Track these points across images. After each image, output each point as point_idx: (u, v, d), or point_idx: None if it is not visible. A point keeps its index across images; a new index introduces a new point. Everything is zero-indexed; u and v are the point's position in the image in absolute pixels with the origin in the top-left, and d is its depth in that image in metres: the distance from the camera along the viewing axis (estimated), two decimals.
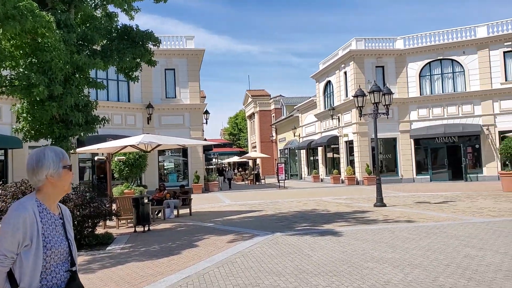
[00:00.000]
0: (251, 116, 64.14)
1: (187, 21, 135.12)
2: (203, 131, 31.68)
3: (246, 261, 7.64)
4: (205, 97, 49.38)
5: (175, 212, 15.93)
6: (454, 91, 31.05)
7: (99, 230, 11.50)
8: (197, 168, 29.79)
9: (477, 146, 30.31)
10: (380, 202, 16.07)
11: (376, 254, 7.67)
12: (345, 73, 33.84)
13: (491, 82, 29.81)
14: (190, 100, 30.27)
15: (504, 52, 29.51)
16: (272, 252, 8.26)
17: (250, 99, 63.28)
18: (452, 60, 31.25)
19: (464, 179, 30.02)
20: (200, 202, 20.88)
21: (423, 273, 6.17)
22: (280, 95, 59.56)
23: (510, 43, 29.21)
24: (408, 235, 9.53)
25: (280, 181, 32.33)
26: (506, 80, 29.46)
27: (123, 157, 20.27)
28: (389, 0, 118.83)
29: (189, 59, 30.58)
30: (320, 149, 39.17)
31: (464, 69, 30.77)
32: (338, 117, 34.88)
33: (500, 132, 28.63)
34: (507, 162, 21.80)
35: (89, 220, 10.32)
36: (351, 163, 33.14)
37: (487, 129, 29.63)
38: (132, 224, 13.03)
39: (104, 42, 12.76)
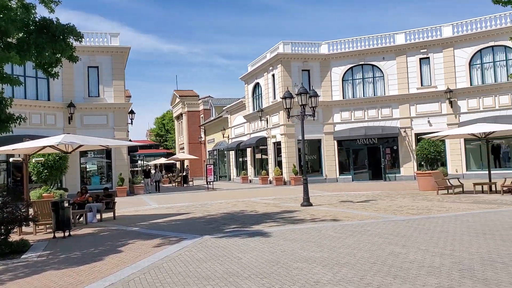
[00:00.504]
0: (179, 116, 63.20)
1: (112, 18, 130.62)
2: (128, 131, 30.62)
3: (174, 266, 7.40)
4: (130, 96, 47.88)
5: (98, 216, 15.22)
6: (374, 95, 32.53)
7: (14, 237, 10.66)
8: (122, 170, 28.75)
9: (395, 147, 31.94)
10: (307, 201, 16.38)
11: (305, 253, 7.74)
12: (273, 75, 34.31)
13: (408, 87, 31.58)
14: (114, 100, 29.16)
15: (420, 59, 31.38)
16: (201, 256, 8.08)
17: (178, 100, 62.32)
18: (373, 65, 32.73)
19: (383, 178, 31.52)
20: (125, 206, 20.15)
21: (351, 272, 6.29)
22: (209, 96, 59.22)
23: (425, 50, 31.10)
24: (335, 233, 9.74)
25: (208, 183, 32.06)
26: (421, 85, 31.33)
27: (42, 158, 19.04)
28: (314, 6, 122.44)
29: (113, 57, 29.46)
30: (249, 150, 39.39)
31: (383, 74, 32.34)
32: (267, 118, 35.28)
33: (416, 134, 30.42)
34: (422, 163, 23.11)
35: (1, 227, 9.52)
36: (279, 164, 33.63)
37: (404, 131, 31.34)
38: (51, 230, 12.24)
39: (21, 35, 11.87)
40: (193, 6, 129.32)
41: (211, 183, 32.11)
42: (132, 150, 35.03)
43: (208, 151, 52.98)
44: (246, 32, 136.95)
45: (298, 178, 30.24)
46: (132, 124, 31.22)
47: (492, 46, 29.17)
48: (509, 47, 28.23)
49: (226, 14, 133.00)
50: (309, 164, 32.72)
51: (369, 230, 10.05)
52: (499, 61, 29.18)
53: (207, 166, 33.62)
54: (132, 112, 31.17)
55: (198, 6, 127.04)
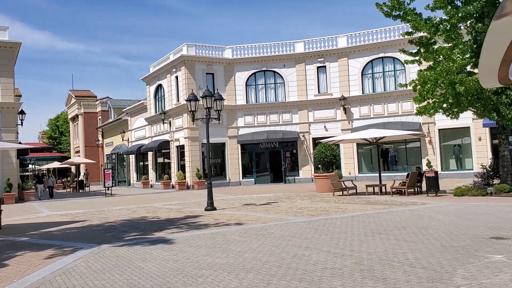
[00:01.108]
0: (75, 118, 59.71)
1: (1, 11, 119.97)
2: (18, 133, 28.21)
3: (68, 279, 6.84)
4: (20, 95, 44.26)
5: None
6: (276, 101, 33.43)
7: None
8: (10, 175, 26.38)
9: (294, 151, 33.08)
10: (210, 206, 16.24)
11: (210, 260, 7.60)
12: (177, 77, 33.77)
13: (307, 94, 32.90)
14: (2, 98, 26.69)
15: (318, 67, 32.87)
16: (98, 267, 7.57)
17: (73, 100, 58.85)
18: (274, 71, 33.61)
19: (284, 181, 32.46)
20: (13, 214, 18.46)
21: (257, 277, 6.27)
22: (108, 96, 56.74)
23: (322, 59, 32.64)
24: (240, 238, 9.72)
25: (107, 188, 30.58)
26: (319, 93, 32.82)
27: None
28: (218, 11, 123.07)
29: (1, 52, 26.97)
30: (150, 154, 38.32)
31: (284, 81, 33.35)
32: (170, 121, 34.58)
33: (314, 139, 31.76)
34: (319, 166, 24.13)
35: None
36: (182, 168, 33.12)
37: (303, 136, 32.59)
38: None
39: None
40: (92, 3, 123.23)
41: (110, 188, 30.68)
42: (22, 153, 32.32)
43: (106, 155, 50.66)
44: (148, 33, 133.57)
45: (201, 182, 30.03)
46: (22, 125, 28.87)
47: (382, 57, 31.42)
48: (397, 59, 30.57)
49: (127, 13, 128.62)
50: (213, 168, 32.66)
51: (273, 232, 10.18)
52: (388, 71, 31.50)
53: (105, 170, 32.11)
54: (22, 112, 28.80)
55: (98, 4, 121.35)
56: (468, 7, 15.87)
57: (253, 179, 33.10)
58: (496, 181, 17.80)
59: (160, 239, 10.29)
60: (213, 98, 16.62)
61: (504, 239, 7.95)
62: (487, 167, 18.69)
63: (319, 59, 32.72)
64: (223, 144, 32.96)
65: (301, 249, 8.02)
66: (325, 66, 32.69)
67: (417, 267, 6.26)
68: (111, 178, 31.36)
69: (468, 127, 28.36)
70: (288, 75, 33.22)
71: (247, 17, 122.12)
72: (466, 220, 10.65)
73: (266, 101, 33.60)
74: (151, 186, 37.63)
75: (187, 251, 8.57)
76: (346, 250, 7.75)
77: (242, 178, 33.16)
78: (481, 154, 27.82)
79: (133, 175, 42.71)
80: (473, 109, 17.42)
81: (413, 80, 18.21)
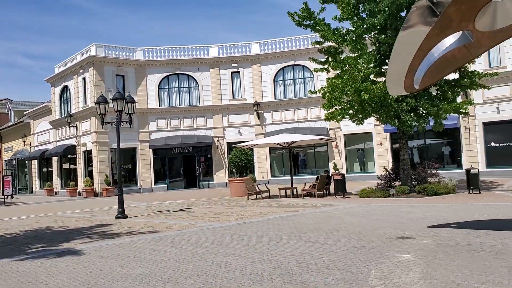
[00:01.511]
0: None
1: None
2: None
3: None
4: None
5: None
6: (190, 105, 33.13)
7: None
8: None
9: (209, 156, 32.99)
10: (121, 213, 15.63)
11: (124, 271, 7.28)
12: (84, 79, 32.18)
13: (221, 98, 33.02)
14: None
15: (232, 72, 33.14)
16: None
17: None
18: (188, 75, 33.30)
19: (198, 186, 32.24)
20: None
21: (175, 287, 6.11)
22: (7, 98, 52.62)
23: (236, 64, 32.95)
24: (155, 246, 9.44)
25: (6, 197, 28.25)
26: (233, 97, 33.09)
27: None
28: (128, 12, 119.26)
29: None
30: (55, 159, 36.08)
31: (198, 85, 33.16)
32: (76, 125, 32.85)
33: (228, 143, 31.94)
34: (233, 170, 24.29)
35: None
36: (89, 174, 31.57)
37: (218, 140, 32.61)
38: None
39: None
40: None
41: (9, 196, 28.38)
42: None
43: (5, 161, 46.90)
44: (53, 33, 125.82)
45: (111, 189, 28.87)
46: None
47: (293, 65, 32.46)
48: (307, 67, 31.72)
49: (30, 11, 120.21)
50: (123, 174, 31.51)
51: (189, 240, 10.01)
52: (298, 78, 32.61)
53: (4, 177, 29.73)
54: None
55: None
56: (373, 19, 16.87)
57: (166, 185, 32.47)
58: (397, 183, 19.07)
59: (68, 250, 9.68)
60: (124, 100, 16.04)
61: (410, 238, 8.51)
62: (389, 170, 19.97)
63: (233, 64, 32.99)
64: (134, 149, 31.96)
65: (219, 256, 7.97)
66: (239, 72, 33.04)
67: (333, 269, 6.49)
68: (11, 186, 29.07)
69: (371, 133, 30.16)
70: (202, 79, 33.08)
71: (160, 19, 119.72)
72: (373, 221, 11.27)
73: (179, 105, 33.17)
74: (56, 194, 35.45)
75: (98, 262, 8.14)
76: (264, 254, 7.83)
77: (154, 184, 32.39)
78: (382, 158, 29.72)
79: (36, 182, 39.97)
80: (376, 116, 18.53)
81: (322, 87, 18.98)
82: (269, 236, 9.83)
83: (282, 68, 32.68)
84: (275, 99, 32.60)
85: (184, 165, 32.99)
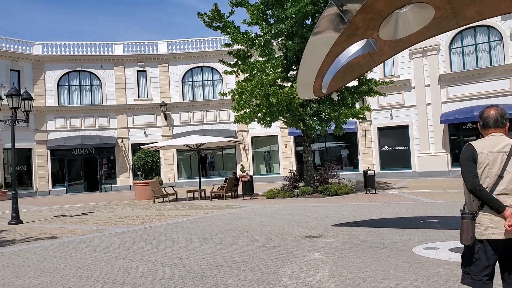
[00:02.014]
0: None
1: None
2: None
3: None
4: None
5: None
6: (92, 104, 31.58)
7: None
8: None
9: (112, 157, 31.67)
10: (16, 219, 14.41)
11: (21, 281, 6.69)
12: None
13: (126, 98, 31.87)
14: None
15: (138, 71, 32.15)
16: None
17: None
18: (91, 72, 31.72)
19: (100, 189, 30.80)
20: None
21: None
22: None
23: (143, 63, 32.03)
24: (55, 253, 8.80)
25: None
26: (138, 97, 32.10)
27: None
28: (26, 4, 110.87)
29: None
30: None
31: (101, 83, 31.72)
32: None
33: (133, 145, 30.90)
34: (138, 172, 23.55)
35: None
36: None
37: (122, 141, 31.42)
38: None
39: None
40: None
41: None
42: None
43: None
44: None
45: (3, 193, 26.56)
46: None
47: (202, 66, 32.30)
48: (216, 69, 31.76)
49: None
50: (17, 176, 29.10)
51: (93, 245, 9.48)
52: (207, 80, 32.52)
53: None
54: None
55: None
56: (280, 25, 17.33)
57: (65, 188, 30.60)
58: (301, 184, 19.76)
59: None
60: (20, 97, 14.82)
61: (317, 237, 8.82)
62: (294, 171, 20.63)
63: (139, 63, 32.01)
64: (30, 150, 29.72)
65: (126, 261, 7.63)
66: (145, 71, 32.14)
67: (245, 270, 6.50)
68: None
69: (276, 135, 31.00)
70: (106, 77, 31.68)
71: (59, 14, 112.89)
72: (281, 220, 11.53)
73: (81, 103, 31.46)
74: None
75: None
76: (175, 258, 7.64)
77: (52, 187, 30.38)
78: (287, 160, 30.67)
79: None
80: (283, 119, 19.06)
81: (232, 90, 19.14)
82: (178, 239, 9.63)
83: (191, 69, 32.38)
84: (183, 100, 32.19)
85: (85, 167, 31.31)
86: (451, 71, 26.34)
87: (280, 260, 6.99)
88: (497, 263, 3.49)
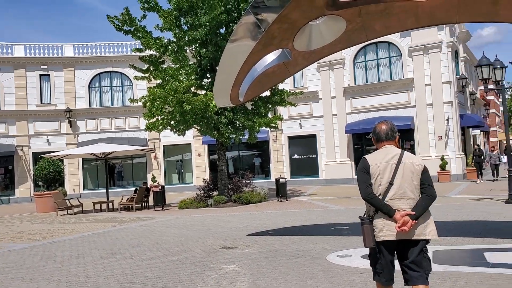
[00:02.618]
0: None
1: None
2: None
3: None
4: None
5: None
6: None
7: None
8: None
9: (10, 167, 29.24)
10: None
11: None
12: None
13: (27, 103, 29.67)
14: None
15: (41, 75, 30.06)
16: None
17: None
18: None
19: None
20: None
21: None
22: None
23: (46, 66, 30.01)
24: None
25: None
26: (41, 102, 30.00)
27: None
28: None
29: None
30: None
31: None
32: None
33: (34, 153, 28.77)
34: (40, 183, 21.94)
35: None
36: None
37: (22, 150, 29.13)
38: None
39: None
40: None
41: None
42: None
43: None
44: None
45: None
46: None
47: (111, 72, 30.99)
48: (125, 74, 30.63)
49: None
50: None
51: None
52: (116, 86, 31.26)
53: None
54: None
55: None
56: (194, 33, 17.12)
57: None
58: (215, 193, 19.59)
59: None
60: None
61: (232, 248, 8.67)
62: (207, 180, 20.40)
63: (42, 66, 29.94)
64: None
65: (25, 282, 6.91)
66: (49, 75, 30.12)
67: (159, 286, 6.16)
68: None
69: (190, 144, 30.58)
70: (4, 81, 29.21)
71: None
72: (195, 232, 11.24)
73: None
74: None
75: None
76: (81, 276, 7.07)
77: None
78: (200, 168, 30.36)
79: None
80: (197, 127, 18.79)
81: (143, 96, 18.53)
82: (85, 255, 8.97)
83: (99, 74, 30.93)
84: (90, 106, 30.60)
85: None
86: (355, 84, 27.80)
87: (195, 274, 6.73)
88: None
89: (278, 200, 18.92)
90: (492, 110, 53.49)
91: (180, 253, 8.45)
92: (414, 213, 3.66)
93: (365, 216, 3.88)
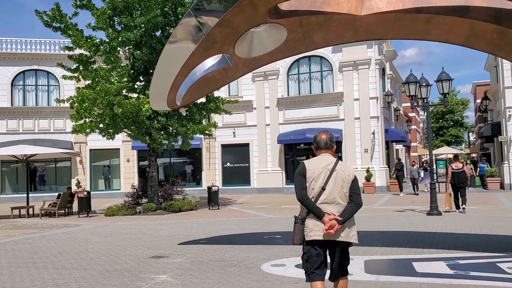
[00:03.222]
0: None
1: None
2: None
3: None
4: None
5: None
6: None
7: None
8: None
9: None
10: None
11: None
12: None
13: None
14: None
15: None
16: None
17: None
18: None
19: None
20: None
21: None
22: None
23: None
24: None
25: None
26: None
27: None
28: None
29: None
30: None
31: None
32: None
33: None
34: None
35: None
36: None
37: None
38: None
39: None
40: None
41: None
42: None
43: None
44: None
45: None
46: None
47: (36, 70, 29.26)
48: (52, 73, 29.05)
49: None
50: None
51: None
52: (42, 85, 29.54)
53: None
54: None
55: None
56: (129, 34, 16.58)
57: None
58: (144, 200, 18.98)
59: None
60: None
61: (163, 257, 8.34)
62: (137, 187, 19.74)
63: None
64: None
65: None
66: None
67: None
68: None
69: (118, 149, 29.52)
70: None
71: None
72: (123, 240, 10.74)
73: None
74: None
75: None
76: None
77: None
78: (129, 175, 29.39)
79: None
80: (128, 131, 18.14)
81: (71, 97, 17.63)
82: (1, 264, 8.24)
83: (23, 72, 29.06)
84: (11, 105, 28.63)
85: None
86: (288, 95, 28.30)
87: (124, 285, 6.37)
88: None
89: (209, 209, 18.68)
90: (413, 126, 56.75)
91: (108, 263, 7.99)
92: (341, 218, 4.04)
93: (299, 217, 4.25)
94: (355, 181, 4.22)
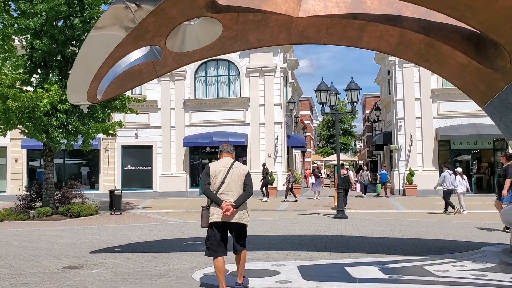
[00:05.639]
0: None
1: None
2: None
3: None
4: None
5: None
6: None
7: None
8: None
9: None
10: None
11: None
12: None
13: None
14: None
15: None
16: None
17: None
18: None
19: None
20: None
21: None
22: None
23: None
24: None
25: None
26: None
27: None
28: None
29: None
30: None
31: None
32: None
33: None
34: None
35: None
36: None
37: None
38: None
39: None
40: None
41: None
42: None
43: None
44: None
45: None
46: None
47: None
48: None
49: None
50: None
51: None
52: None
53: None
54: None
55: None
56: (28, 21, 15.00)
57: None
58: (38, 204, 17.30)
59: None
60: None
61: (78, 268, 7.45)
62: (30, 190, 17.92)
63: None
64: None
65: None
66: None
67: None
68: None
69: (5, 147, 26.81)
70: None
71: None
72: (23, 249, 9.50)
73: None
74: None
75: None
76: None
77: None
78: (17, 176, 26.81)
79: None
80: (23, 128, 16.39)
81: None
82: None
83: None
84: None
85: None
86: (195, 97, 27.80)
87: None
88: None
89: (111, 214, 17.54)
90: (308, 133, 59.23)
91: (11, 276, 6.94)
92: (234, 204, 5.38)
93: (205, 206, 5.51)
94: (248, 175, 5.58)
